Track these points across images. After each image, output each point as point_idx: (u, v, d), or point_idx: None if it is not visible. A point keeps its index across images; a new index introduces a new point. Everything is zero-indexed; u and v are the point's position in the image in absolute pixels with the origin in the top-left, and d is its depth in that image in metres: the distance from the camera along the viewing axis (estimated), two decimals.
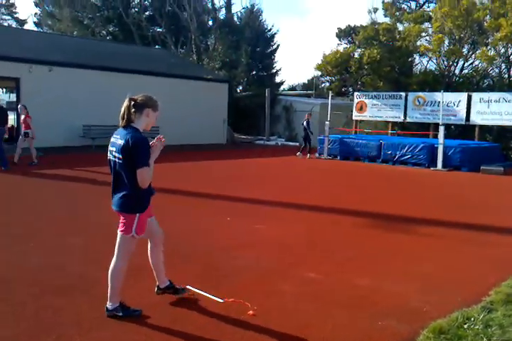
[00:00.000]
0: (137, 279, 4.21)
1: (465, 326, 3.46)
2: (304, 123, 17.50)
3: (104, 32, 33.84)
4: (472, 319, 3.57)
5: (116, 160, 3.40)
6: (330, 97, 18.62)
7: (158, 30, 33.41)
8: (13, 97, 17.81)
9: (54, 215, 6.96)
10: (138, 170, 3.31)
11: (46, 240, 5.59)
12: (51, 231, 6.04)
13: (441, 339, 3.26)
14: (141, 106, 3.45)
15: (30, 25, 42.64)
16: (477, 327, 3.45)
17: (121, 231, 3.50)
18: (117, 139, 3.43)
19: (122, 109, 3.45)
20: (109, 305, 3.54)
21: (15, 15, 41.26)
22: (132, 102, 3.43)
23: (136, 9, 33.03)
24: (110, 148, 3.48)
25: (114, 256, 3.57)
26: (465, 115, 17.76)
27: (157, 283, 3.91)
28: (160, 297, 3.89)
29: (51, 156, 14.57)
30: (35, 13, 38.32)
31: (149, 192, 3.53)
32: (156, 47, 31.38)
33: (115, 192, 3.51)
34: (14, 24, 39.84)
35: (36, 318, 3.49)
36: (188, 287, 4.07)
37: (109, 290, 3.55)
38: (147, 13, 33.36)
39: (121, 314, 3.52)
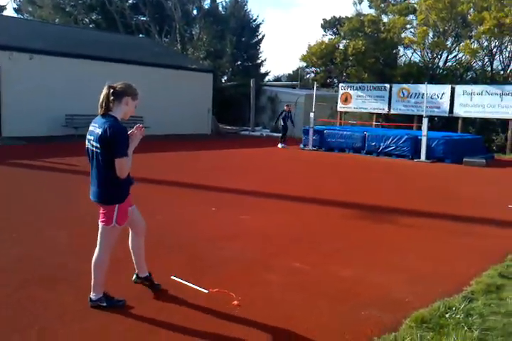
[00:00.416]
0: (120, 270, 4.19)
1: (446, 315, 3.51)
2: (283, 114, 17.88)
3: (86, 20, 33.28)
4: (453, 308, 3.63)
5: (94, 149, 3.33)
6: (315, 88, 18.62)
7: (142, 18, 32.99)
8: None
9: (35, 206, 6.87)
10: (116, 159, 3.26)
11: (28, 232, 5.52)
12: (33, 223, 5.97)
13: (424, 328, 3.31)
14: (120, 94, 3.37)
15: (9, 12, 41.78)
16: (458, 316, 3.50)
17: (102, 222, 3.47)
18: (95, 128, 3.35)
19: (101, 97, 3.37)
20: (92, 295, 3.52)
21: None
22: (111, 90, 3.36)
23: None
24: (88, 136, 3.40)
25: (97, 247, 3.54)
26: (448, 107, 17.96)
27: (136, 271, 3.89)
28: (145, 289, 3.87)
29: (33, 146, 14.38)
30: None
31: (128, 181, 3.47)
32: (140, 35, 31.01)
33: (93, 182, 3.45)
34: None
35: (19, 310, 3.45)
36: (172, 277, 4.07)
37: (92, 280, 3.53)
38: (131, 1, 32.88)
39: (105, 304, 3.50)
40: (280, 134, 18.06)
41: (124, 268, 4.19)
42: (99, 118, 3.40)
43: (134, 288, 3.89)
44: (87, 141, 3.42)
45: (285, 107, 18.35)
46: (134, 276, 3.91)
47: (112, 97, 3.36)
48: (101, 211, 3.49)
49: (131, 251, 3.83)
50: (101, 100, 3.37)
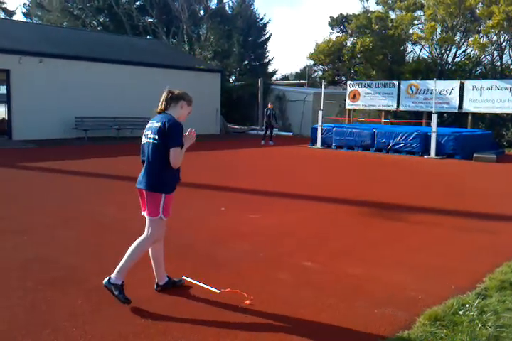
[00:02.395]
0: (134, 271, 4.20)
1: (460, 312, 3.48)
2: (267, 112, 18.11)
3: (94, 22, 33.50)
4: (467, 305, 3.59)
5: (152, 141, 3.56)
6: (323, 86, 18.57)
7: (149, 20, 33.12)
8: (3, 90, 17.70)
9: (46, 208, 6.91)
10: (171, 149, 3.49)
11: (39, 233, 5.56)
12: (44, 224, 6.01)
13: (437, 325, 3.28)
14: (177, 98, 3.69)
15: (18, 16, 42.12)
16: (472, 313, 3.47)
17: (148, 214, 3.59)
18: (153, 123, 3.63)
19: (161, 99, 3.69)
20: (113, 277, 3.57)
21: (3, 6, 40.66)
22: (170, 94, 3.68)
23: None
24: (145, 132, 3.65)
25: (143, 236, 3.64)
26: (458, 103, 17.82)
27: (156, 281, 3.90)
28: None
29: (43, 148, 14.49)
30: (24, 4, 37.92)
31: (177, 177, 3.68)
32: (148, 37, 31.12)
33: (145, 173, 3.61)
34: (2, 15, 39.26)
35: (32, 312, 3.47)
36: (184, 278, 4.07)
37: (120, 263, 3.59)
38: (138, 3, 33.03)
39: (116, 293, 3.53)
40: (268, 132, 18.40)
41: (139, 269, 4.20)
42: (156, 115, 3.68)
43: (146, 288, 3.90)
44: (143, 137, 3.66)
45: (269, 105, 18.57)
46: (155, 286, 3.90)
47: (170, 100, 3.68)
48: (147, 202, 3.59)
49: (151, 257, 3.84)
50: (161, 101, 3.69)
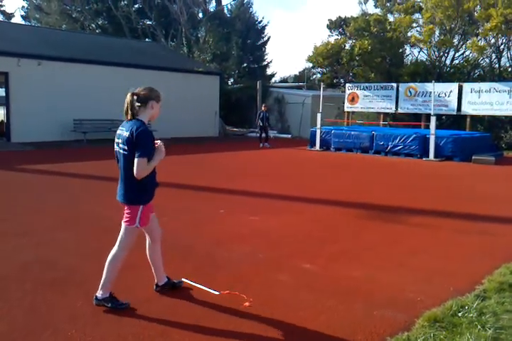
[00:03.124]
0: (132, 273, 4.21)
1: (459, 314, 3.49)
2: (261, 114, 18.19)
3: (93, 25, 33.53)
4: (466, 307, 3.60)
5: (122, 151, 3.45)
6: (322, 89, 18.60)
7: (147, 23, 33.17)
8: (2, 92, 17.71)
9: (45, 210, 6.91)
10: (136, 159, 3.34)
11: (39, 235, 5.56)
12: (43, 226, 6.01)
13: (436, 327, 3.28)
14: (144, 100, 3.48)
15: (17, 19, 42.17)
16: (471, 315, 3.47)
17: (126, 222, 3.54)
18: (123, 131, 3.46)
19: (125, 104, 3.47)
20: (99, 293, 3.55)
21: (1, 9, 40.70)
22: (135, 97, 3.46)
23: (126, 2, 32.69)
24: (116, 139, 3.52)
25: (115, 246, 3.59)
26: (456, 105, 17.84)
27: (155, 281, 3.90)
28: (155, 291, 3.88)
29: (42, 151, 14.48)
30: (23, 7, 37.92)
31: (154, 184, 3.61)
32: (146, 40, 31.16)
33: (121, 183, 3.55)
34: (1, 17, 39.31)
35: (31, 313, 3.47)
36: (183, 280, 4.07)
37: (102, 278, 3.55)
38: (136, 5, 33.04)
39: (109, 305, 3.52)
40: (259, 135, 18.49)
41: (137, 271, 4.21)
42: (126, 122, 3.51)
43: (146, 290, 3.90)
44: (115, 144, 3.53)
45: (262, 107, 18.63)
46: (155, 286, 3.91)
47: (137, 103, 3.46)
48: (125, 211, 3.55)
49: (150, 259, 3.85)
50: (126, 107, 3.47)
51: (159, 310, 3.56)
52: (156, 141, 3.51)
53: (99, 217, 6.50)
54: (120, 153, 3.48)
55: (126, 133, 3.40)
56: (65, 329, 3.24)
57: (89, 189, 8.69)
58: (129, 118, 3.47)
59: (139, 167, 3.34)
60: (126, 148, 3.40)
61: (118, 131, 3.53)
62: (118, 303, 3.55)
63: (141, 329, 3.25)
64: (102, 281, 3.56)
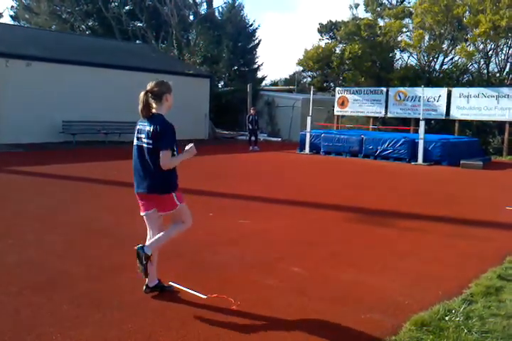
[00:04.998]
0: (120, 276, 4.17)
1: (446, 318, 3.50)
2: (250, 118, 18.25)
3: (83, 26, 33.36)
4: (453, 311, 3.61)
5: (145, 145, 3.56)
6: (312, 92, 18.66)
7: (138, 24, 33.06)
8: None
9: (33, 212, 6.84)
10: (161, 151, 3.48)
11: (26, 237, 5.50)
12: (31, 228, 5.94)
13: (423, 331, 3.29)
14: (159, 95, 3.61)
15: (6, 19, 41.73)
16: (458, 319, 3.49)
17: (168, 209, 3.67)
18: (145, 126, 3.58)
19: (141, 103, 3.55)
20: (146, 246, 3.62)
21: None
22: (149, 94, 3.58)
23: (116, 3, 32.60)
24: (138, 134, 3.63)
25: (176, 224, 3.77)
26: (445, 110, 18.01)
27: (146, 282, 3.88)
28: (143, 294, 3.85)
29: (31, 153, 14.36)
30: (12, 7, 37.64)
31: (176, 174, 3.72)
32: (137, 42, 31.06)
33: (145, 177, 3.61)
34: None
35: (16, 317, 3.42)
36: (171, 283, 4.05)
37: (155, 237, 3.69)
38: (127, 7, 32.97)
39: (144, 262, 3.59)
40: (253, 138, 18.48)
41: (125, 274, 4.17)
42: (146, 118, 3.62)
43: (132, 293, 3.87)
44: (136, 139, 3.64)
45: (251, 111, 18.65)
46: (144, 287, 3.89)
47: (153, 100, 3.59)
48: (158, 203, 3.66)
49: None
50: (141, 106, 3.56)
51: (146, 314, 3.53)
52: (190, 143, 3.67)
53: (88, 219, 6.44)
54: (143, 147, 3.56)
55: (149, 128, 3.52)
56: (49, 332, 3.20)
57: (78, 191, 8.62)
58: (145, 115, 3.58)
59: (165, 158, 3.48)
60: (150, 142, 3.51)
61: (139, 127, 3.65)
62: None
63: (127, 333, 3.22)
64: (153, 239, 3.68)
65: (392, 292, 4.10)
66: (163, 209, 3.69)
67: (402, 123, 20.11)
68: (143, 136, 3.57)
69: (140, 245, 3.62)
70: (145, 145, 3.56)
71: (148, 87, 3.60)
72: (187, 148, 3.67)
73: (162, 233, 3.73)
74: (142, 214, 3.78)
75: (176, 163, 3.60)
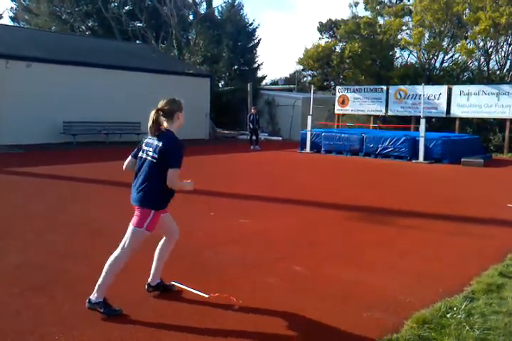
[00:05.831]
0: (122, 275, 4.18)
1: (448, 315, 3.50)
2: (251, 117, 18.23)
3: (83, 27, 33.35)
4: (455, 308, 3.62)
5: (150, 158, 3.51)
6: (312, 91, 18.65)
7: (138, 25, 33.04)
8: None
9: (34, 212, 6.85)
10: (170, 169, 3.41)
11: (26, 237, 5.51)
12: (31, 228, 5.95)
13: (425, 328, 3.29)
14: (170, 113, 3.57)
15: (5, 20, 41.83)
16: (459, 316, 3.49)
17: (134, 224, 3.55)
18: (154, 140, 3.54)
19: (151, 121, 3.52)
20: (93, 297, 3.48)
21: None
22: (160, 112, 3.54)
23: (116, 4, 32.56)
24: (145, 147, 3.59)
25: (118, 249, 3.56)
26: (446, 108, 17.98)
27: (148, 281, 3.89)
28: (145, 294, 3.86)
29: (31, 153, 14.38)
30: (11, 8, 37.61)
31: (171, 194, 3.63)
32: (137, 42, 31.06)
33: (137, 187, 3.56)
34: None
35: (18, 317, 3.44)
36: (173, 283, 4.06)
37: (99, 281, 3.49)
38: (127, 7, 32.92)
39: (102, 310, 3.45)
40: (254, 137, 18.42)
41: (127, 275, 4.18)
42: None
43: (135, 294, 3.88)
44: (142, 151, 3.60)
45: (252, 110, 18.64)
46: (146, 286, 3.90)
47: (164, 118, 3.56)
48: (136, 214, 3.57)
49: (157, 254, 3.88)
50: (151, 123, 3.52)
51: (148, 313, 3.54)
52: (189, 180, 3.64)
53: (89, 219, 6.45)
54: (147, 160, 3.52)
55: (158, 143, 3.48)
56: (52, 332, 3.21)
57: (78, 191, 8.63)
58: (153, 133, 3.53)
59: (174, 177, 3.43)
60: (156, 156, 3.47)
61: (147, 140, 3.60)
62: (111, 309, 3.47)
63: (130, 332, 3.23)
64: (98, 284, 3.49)
65: (393, 290, 4.10)
66: (134, 220, 3.55)
67: (403, 121, 20.09)
68: (150, 149, 3.52)
69: (87, 301, 3.47)
70: (149, 158, 3.51)
71: (160, 105, 3.57)
72: (187, 181, 3.63)
73: (103, 272, 3.49)
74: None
75: (178, 185, 3.50)
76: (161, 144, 3.46)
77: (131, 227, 3.56)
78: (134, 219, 3.56)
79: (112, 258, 3.53)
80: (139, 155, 3.62)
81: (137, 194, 3.55)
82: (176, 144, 3.49)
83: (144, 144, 3.62)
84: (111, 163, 12.44)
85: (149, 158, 3.51)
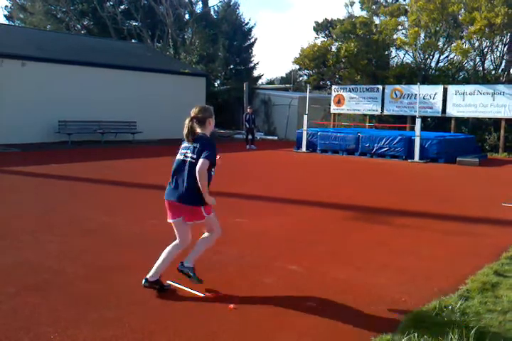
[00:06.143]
0: (119, 276, 4.17)
1: (443, 314, 3.52)
2: (247, 117, 18.28)
3: (78, 26, 33.24)
4: (450, 307, 3.63)
5: (189, 159, 3.83)
6: (308, 91, 18.66)
7: (134, 24, 32.95)
8: None
9: (29, 212, 6.83)
10: (201, 159, 3.71)
11: (22, 237, 5.49)
12: (27, 228, 5.93)
13: (420, 327, 3.30)
14: (203, 120, 3.93)
15: (0, 19, 41.64)
16: (454, 315, 3.51)
17: (198, 218, 3.91)
18: (191, 143, 3.87)
19: (186, 129, 3.86)
20: (186, 262, 3.96)
21: None
22: (195, 120, 3.90)
23: (111, 3, 32.48)
24: (183, 150, 3.93)
25: (210, 233, 4.07)
26: (441, 107, 18.03)
27: (147, 276, 3.89)
28: (140, 294, 3.85)
29: (27, 153, 14.33)
30: (6, 6, 37.48)
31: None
32: (132, 41, 30.98)
33: (179, 188, 3.85)
34: None
35: (13, 317, 3.42)
36: (169, 282, 4.05)
37: (193, 253, 4.02)
38: (122, 6, 32.85)
39: (192, 274, 3.94)
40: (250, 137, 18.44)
41: (126, 274, 4.17)
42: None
43: (130, 293, 3.87)
44: (179, 154, 3.95)
45: (248, 110, 18.67)
46: (144, 280, 3.90)
47: (197, 125, 3.92)
48: (187, 213, 3.88)
49: (167, 250, 4.00)
50: (186, 131, 3.86)
51: (144, 313, 3.53)
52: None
53: (84, 219, 6.43)
54: (187, 162, 3.84)
55: (195, 145, 3.83)
56: (47, 332, 3.20)
57: (74, 191, 8.61)
58: (190, 140, 3.86)
59: (203, 165, 3.70)
60: (195, 156, 3.80)
61: (185, 144, 3.94)
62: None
63: (125, 332, 3.23)
64: (193, 255, 4.00)
65: (389, 289, 4.11)
66: (190, 218, 3.90)
67: (399, 120, 20.14)
68: (188, 151, 3.85)
69: (180, 264, 3.95)
70: (189, 159, 3.82)
71: (193, 114, 3.90)
72: (210, 198, 3.86)
73: (198, 245, 4.04)
74: (169, 220, 3.97)
75: (204, 176, 3.72)
76: (197, 145, 3.81)
77: (200, 221, 3.93)
78: (193, 218, 3.89)
79: (205, 237, 4.09)
80: (178, 157, 3.96)
81: (183, 193, 3.80)
82: (210, 144, 3.83)
83: (181, 148, 3.96)
84: (106, 162, 12.41)
85: (189, 159, 3.83)
